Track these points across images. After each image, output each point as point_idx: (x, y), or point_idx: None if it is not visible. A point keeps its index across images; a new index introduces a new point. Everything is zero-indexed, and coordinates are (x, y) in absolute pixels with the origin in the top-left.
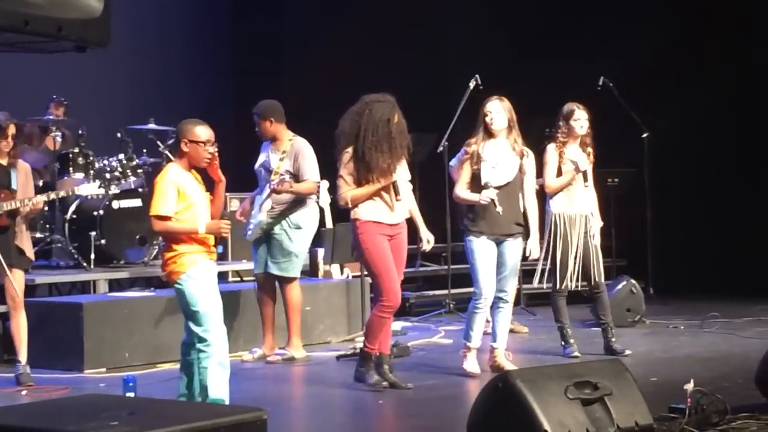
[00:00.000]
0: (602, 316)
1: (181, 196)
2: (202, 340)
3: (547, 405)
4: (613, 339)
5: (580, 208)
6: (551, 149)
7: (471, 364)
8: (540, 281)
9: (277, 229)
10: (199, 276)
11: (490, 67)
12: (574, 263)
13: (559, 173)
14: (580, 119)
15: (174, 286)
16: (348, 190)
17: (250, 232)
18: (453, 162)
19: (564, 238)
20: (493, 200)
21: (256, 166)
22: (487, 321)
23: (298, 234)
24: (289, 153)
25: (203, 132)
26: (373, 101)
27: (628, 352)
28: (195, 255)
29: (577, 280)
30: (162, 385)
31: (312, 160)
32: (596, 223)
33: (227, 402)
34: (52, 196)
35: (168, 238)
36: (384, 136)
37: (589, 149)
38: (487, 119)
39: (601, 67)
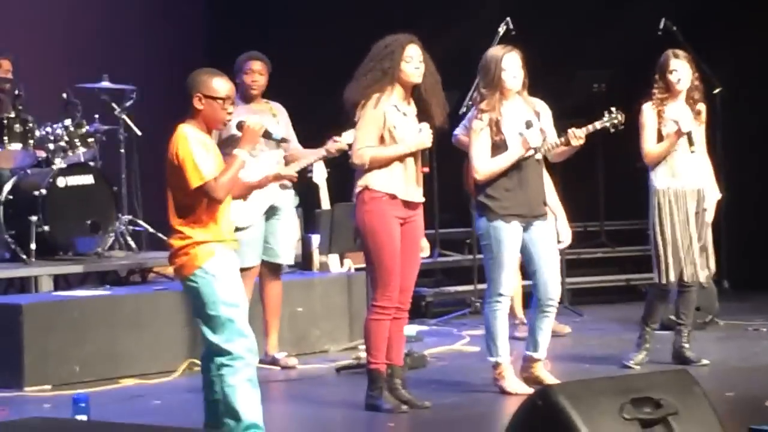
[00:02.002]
0: (683, 315)
1: (214, 155)
2: (223, 352)
3: (598, 426)
4: (687, 344)
5: (687, 181)
6: (647, 109)
7: (512, 382)
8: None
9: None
10: (218, 271)
11: (521, 7)
12: (684, 250)
13: (660, 138)
14: (678, 70)
15: (185, 283)
16: (368, 148)
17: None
18: (459, 131)
19: (668, 219)
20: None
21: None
22: (522, 324)
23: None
24: (278, 116)
25: (222, 86)
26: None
27: (705, 361)
28: (212, 244)
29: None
30: (121, 405)
31: None
32: (711, 198)
33: (262, 429)
34: None
35: (191, 221)
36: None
37: (700, 106)
38: (506, 76)
39: (662, 5)
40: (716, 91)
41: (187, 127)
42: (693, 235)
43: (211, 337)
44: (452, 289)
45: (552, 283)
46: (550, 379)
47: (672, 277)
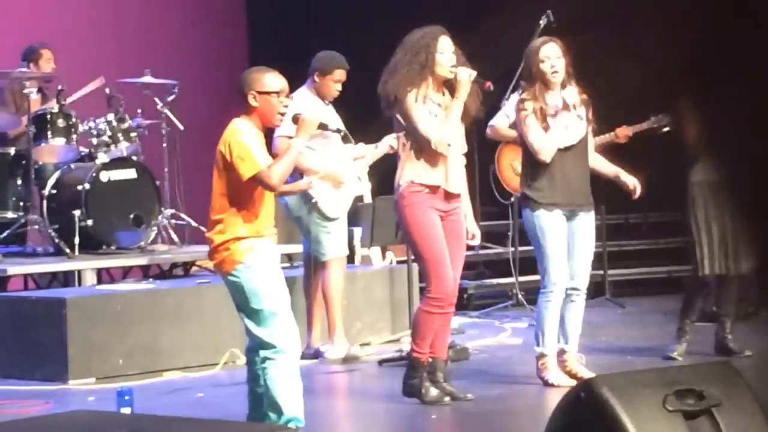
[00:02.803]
0: (724, 306)
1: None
2: (267, 345)
3: (641, 419)
4: (730, 336)
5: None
6: None
7: (556, 374)
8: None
9: None
10: (259, 265)
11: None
12: (722, 240)
13: None
14: None
15: (226, 279)
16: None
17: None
18: (495, 121)
19: (703, 210)
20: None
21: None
22: None
23: None
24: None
25: (275, 81)
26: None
27: (748, 352)
28: (252, 239)
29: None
30: (164, 397)
31: None
32: None
33: (303, 423)
34: None
35: (227, 217)
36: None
37: None
38: (545, 67)
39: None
40: None
41: (241, 121)
42: (729, 226)
43: (255, 330)
44: (494, 281)
45: (580, 272)
46: (583, 372)
47: (708, 270)
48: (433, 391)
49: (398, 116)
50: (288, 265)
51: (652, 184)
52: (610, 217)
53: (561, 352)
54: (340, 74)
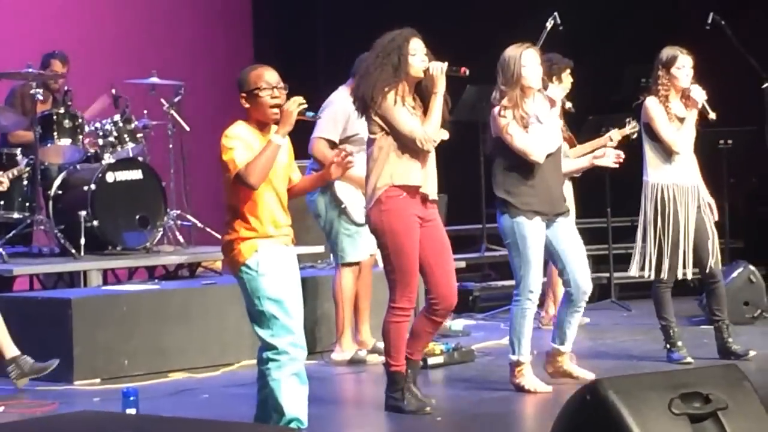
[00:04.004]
0: (717, 311)
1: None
2: (269, 346)
3: (647, 422)
4: (730, 339)
5: (688, 177)
6: (654, 103)
7: (531, 380)
8: (641, 269)
9: None
10: (262, 266)
11: (568, 1)
12: (684, 246)
13: None
14: (685, 66)
15: (236, 277)
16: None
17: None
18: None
19: (672, 214)
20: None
21: None
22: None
23: None
24: None
25: (257, 76)
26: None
27: (752, 353)
28: (256, 240)
29: (685, 267)
30: (170, 398)
31: None
32: (706, 195)
33: (305, 424)
34: (15, 172)
35: (237, 210)
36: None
37: (695, 93)
38: (525, 73)
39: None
40: (765, 85)
41: (235, 125)
42: (703, 229)
43: (258, 331)
44: (499, 283)
45: (583, 277)
46: (579, 371)
47: (675, 271)
48: (414, 402)
49: (375, 117)
50: (312, 265)
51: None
52: (616, 220)
53: (557, 353)
54: None
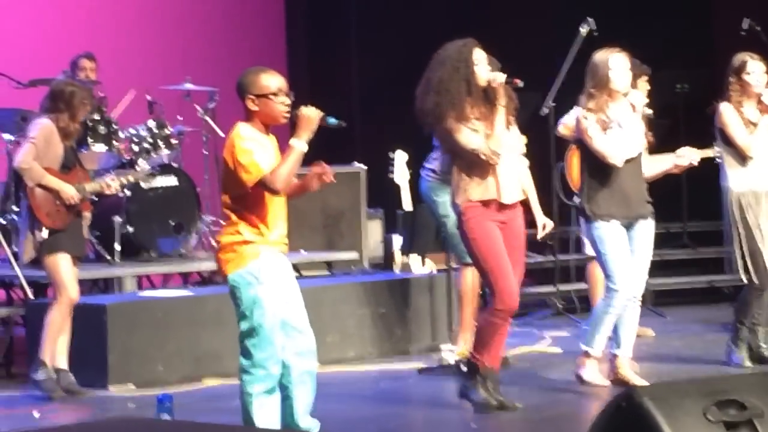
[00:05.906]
0: (757, 314)
1: (264, 152)
2: (247, 355)
3: (682, 429)
4: (765, 345)
5: (764, 181)
6: (728, 108)
7: (591, 372)
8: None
9: None
10: (261, 274)
11: (603, 6)
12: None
13: None
14: (756, 72)
15: (227, 279)
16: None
17: None
18: (568, 120)
19: (752, 220)
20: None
21: None
22: None
23: None
24: None
25: (271, 81)
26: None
27: None
28: (259, 246)
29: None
30: (204, 404)
31: None
32: None
33: None
34: (131, 178)
35: (243, 215)
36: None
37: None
38: (613, 76)
39: (745, 5)
40: None
41: (243, 126)
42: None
43: (241, 337)
44: (534, 290)
45: (637, 279)
46: (635, 379)
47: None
48: (484, 395)
49: (439, 136)
50: (328, 273)
51: (692, 194)
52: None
53: (613, 357)
54: None
